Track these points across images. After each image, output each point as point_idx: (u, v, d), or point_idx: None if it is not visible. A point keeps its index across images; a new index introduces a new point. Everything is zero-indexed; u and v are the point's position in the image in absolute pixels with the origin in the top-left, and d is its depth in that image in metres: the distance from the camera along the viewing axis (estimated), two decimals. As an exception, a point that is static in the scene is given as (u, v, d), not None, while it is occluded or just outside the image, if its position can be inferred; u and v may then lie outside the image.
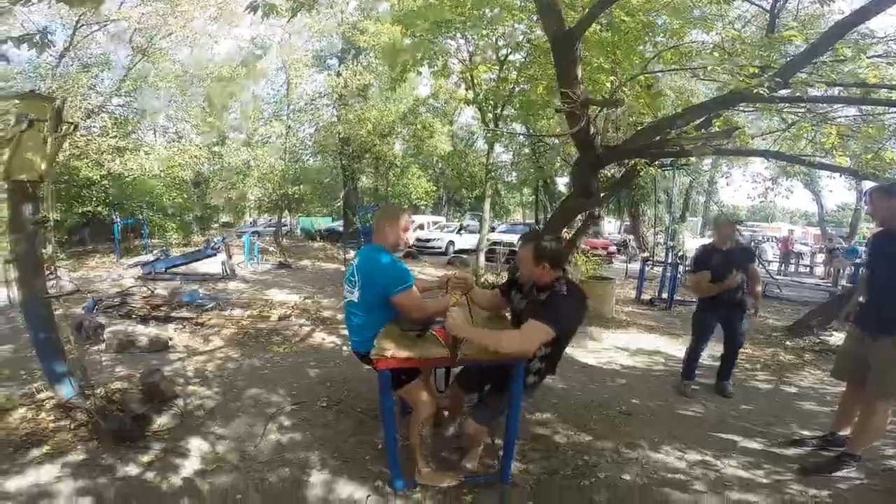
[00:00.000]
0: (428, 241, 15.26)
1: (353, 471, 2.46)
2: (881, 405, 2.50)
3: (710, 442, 2.91)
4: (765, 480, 2.50)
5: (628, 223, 22.53)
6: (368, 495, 2.27)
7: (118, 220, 10.69)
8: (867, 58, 3.45)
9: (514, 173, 23.82)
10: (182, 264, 8.31)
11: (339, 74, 13.97)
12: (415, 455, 2.32)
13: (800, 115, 3.85)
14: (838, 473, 2.54)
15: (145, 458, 2.46)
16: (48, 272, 2.65)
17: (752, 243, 18.62)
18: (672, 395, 3.66)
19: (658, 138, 3.55)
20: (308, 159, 16.92)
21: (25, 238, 2.56)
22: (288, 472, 2.44)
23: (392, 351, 2.03)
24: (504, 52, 7.15)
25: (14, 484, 2.20)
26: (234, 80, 13.55)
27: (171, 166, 10.81)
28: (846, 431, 2.83)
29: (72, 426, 2.67)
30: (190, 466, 2.44)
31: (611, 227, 31.74)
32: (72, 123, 2.56)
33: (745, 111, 5.15)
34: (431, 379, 2.72)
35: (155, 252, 9.34)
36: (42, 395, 2.98)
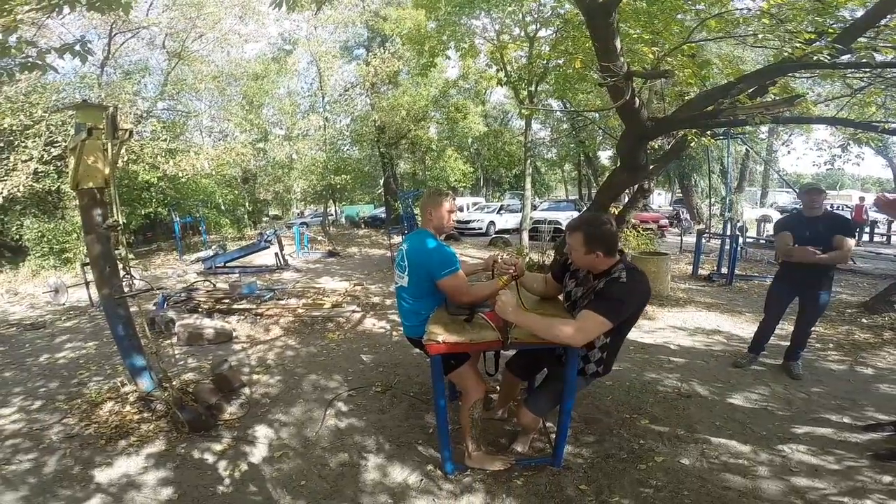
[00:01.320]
0: (468, 222, 15.23)
1: (406, 455, 2.55)
2: None
3: (776, 426, 2.77)
4: (835, 467, 2.37)
5: (679, 195, 21.47)
6: (421, 479, 2.34)
7: (177, 219, 11.37)
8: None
9: (554, 149, 23.24)
10: (239, 258, 8.76)
11: (367, 63, 14.02)
12: (465, 438, 2.37)
13: (866, 80, 3.49)
14: None
15: (218, 447, 2.66)
16: (123, 272, 2.85)
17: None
18: (734, 377, 3.49)
19: (711, 108, 3.33)
20: (347, 149, 17.21)
21: (99, 241, 2.77)
22: (346, 457, 2.56)
23: (443, 336, 2.02)
24: (533, 27, 6.89)
25: (105, 476, 2.43)
26: (268, 76, 13.91)
27: (220, 165, 11.30)
28: None
29: (154, 417, 2.91)
30: (258, 454, 2.62)
31: (661, 199, 30.41)
32: (127, 129, 2.70)
33: (802, 77, 4.73)
34: (480, 363, 2.74)
35: (213, 247, 9.89)
36: (126, 389, 3.23)
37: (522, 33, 7.89)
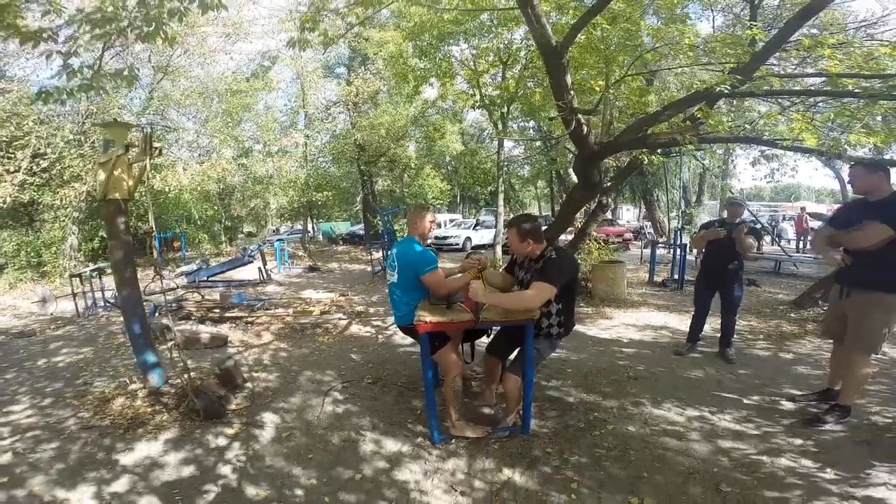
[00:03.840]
0: (445, 238, 15.75)
1: (398, 432, 2.96)
2: (858, 356, 2.84)
3: (708, 400, 3.31)
4: (755, 432, 2.87)
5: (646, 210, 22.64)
6: (413, 449, 2.77)
7: (157, 233, 11.47)
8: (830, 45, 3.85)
9: (527, 167, 24.14)
10: (222, 272, 8.98)
11: (349, 83, 14.53)
12: (448, 409, 2.84)
13: (771, 102, 4.23)
14: (830, 424, 2.87)
15: (230, 431, 2.99)
16: (155, 274, 3.19)
17: (773, 223, 18.60)
18: (675, 362, 4.09)
19: (642, 133, 3.99)
20: (327, 166, 17.58)
21: (122, 247, 3.12)
22: (346, 434, 2.95)
23: (430, 318, 2.60)
24: (505, 54, 7.54)
25: (129, 459, 2.71)
26: (249, 92, 14.19)
27: (204, 180, 11.50)
28: (839, 386, 3.16)
29: (166, 410, 3.20)
30: (267, 435, 2.97)
31: (629, 214, 31.71)
32: (158, 148, 3.08)
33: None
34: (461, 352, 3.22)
35: (197, 262, 10.06)
36: (133, 387, 3.51)
37: (497, 59, 8.55)
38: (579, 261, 6.91)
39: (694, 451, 2.68)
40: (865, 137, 4.00)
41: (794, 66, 6.33)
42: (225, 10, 3.10)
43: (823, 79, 4.46)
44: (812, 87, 4.59)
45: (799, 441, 2.74)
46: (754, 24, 5.34)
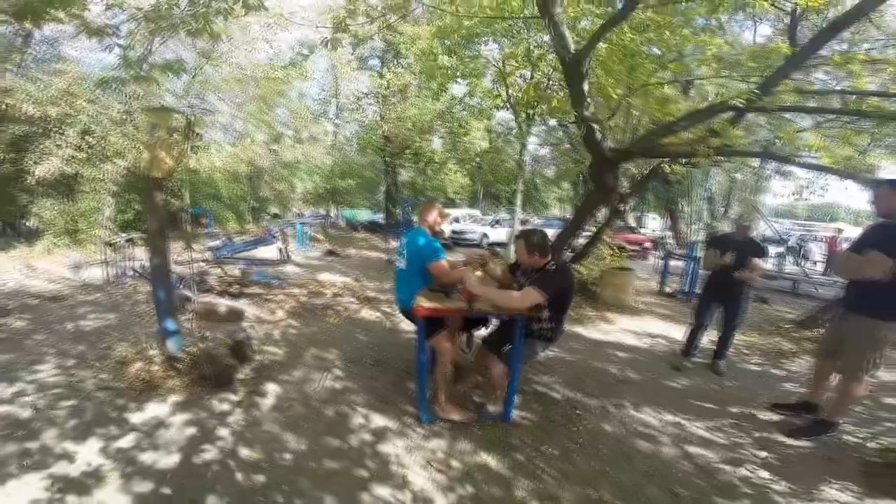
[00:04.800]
0: (462, 233, 15.91)
1: (389, 410, 3.18)
2: (854, 379, 2.89)
3: (687, 408, 3.42)
4: (723, 441, 2.99)
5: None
6: (399, 426, 2.98)
7: (189, 210, 12.02)
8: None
9: (553, 167, 24.02)
10: (244, 250, 9.38)
11: (381, 76, 14.77)
12: (438, 393, 3.05)
13: (788, 119, 4.26)
14: (812, 438, 2.96)
15: (235, 398, 3.26)
16: (188, 247, 3.49)
17: (800, 242, 18.09)
18: (665, 370, 4.20)
19: (656, 143, 4.08)
20: (354, 155, 17.93)
21: (157, 219, 3.42)
22: (340, 408, 3.19)
23: (427, 304, 2.88)
24: (535, 53, 7.61)
25: (139, 418, 2.91)
26: (285, 80, 14.57)
27: (234, 162, 11.97)
28: (818, 400, 3.26)
29: (181, 374, 3.44)
30: (268, 404, 3.23)
31: (655, 223, 31.16)
32: (198, 133, 3.36)
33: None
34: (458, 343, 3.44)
35: (222, 238, 10.51)
36: (151, 353, 3.73)
37: (525, 60, 8.61)
38: (590, 265, 6.99)
39: (661, 454, 2.81)
40: (885, 158, 4.00)
41: (832, 82, 6.25)
42: (265, 10, 3.34)
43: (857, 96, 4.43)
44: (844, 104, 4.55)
45: (764, 453, 2.85)
46: (781, 38, 5.31)
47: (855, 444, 2.97)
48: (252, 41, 12.53)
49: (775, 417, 3.32)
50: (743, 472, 2.64)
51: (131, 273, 7.11)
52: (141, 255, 7.61)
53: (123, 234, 8.50)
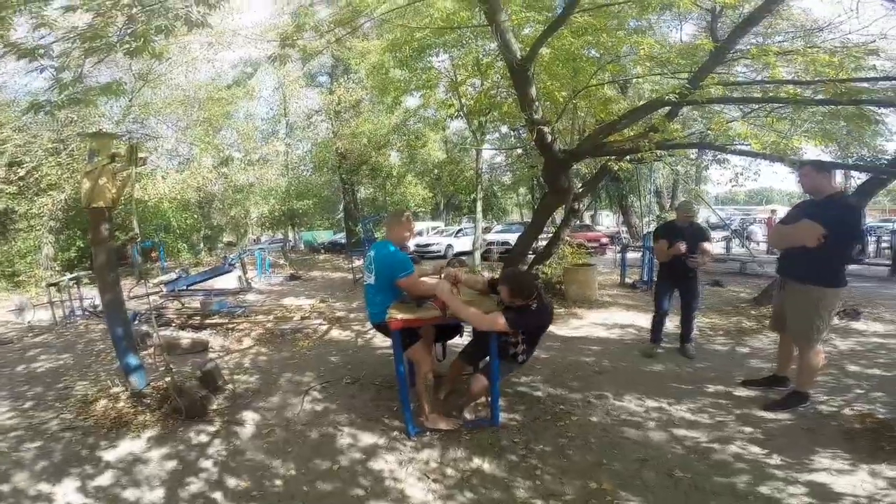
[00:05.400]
0: (427, 245, 15.92)
1: (374, 427, 3.10)
2: (804, 346, 3.07)
3: (666, 392, 3.53)
4: (708, 421, 3.08)
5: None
6: (388, 441, 2.91)
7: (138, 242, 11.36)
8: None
9: (509, 174, 24.53)
10: (202, 281, 8.96)
11: (331, 92, 14.65)
12: (422, 403, 3.00)
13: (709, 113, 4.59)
14: (789, 409, 3.09)
15: (212, 429, 3.10)
16: (140, 279, 3.29)
17: (743, 225, 19.28)
18: (638, 358, 4.33)
19: (602, 141, 4.27)
20: (309, 175, 17.61)
21: (104, 252, 3.22)
22: (324, 430, 3.09)
23: (400, 315, 2.81)
24: (483, 65, 7.83)
25: (113, 455, 2.79)
26: (230, 100, 14.15)
27: (184, 188, 11.46)
28: (786, 373, 3.44)
29: (151, 409, 3.27)
30: (248, 432, 3.08)
31: (608, 220, 32.36)
32: (142, 158, 3.19)
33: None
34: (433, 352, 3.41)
35: (177, 271, 10.01)
36: (115, 390, 3.57)
37: (475, 70, 8.81)
38: (554, 265, 7.15)
39: (650, 439, 2.87)
40: (806, 141, 4.34)
41: (753, 74, 6.75)
42: (210, 28, 3.25)
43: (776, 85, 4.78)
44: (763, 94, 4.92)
45: (748, 429, 2.93)
46: (704, 35, 5.70)
47: (831, 412, 3.11)
48: (192, 61, 12.10)
49: (751, 394, 3.45)
50: (733, 448, 2.71)
51: (80, 312, 6.66)
52: (89, 295, 7.15)
53: (68, 274, 7.94)
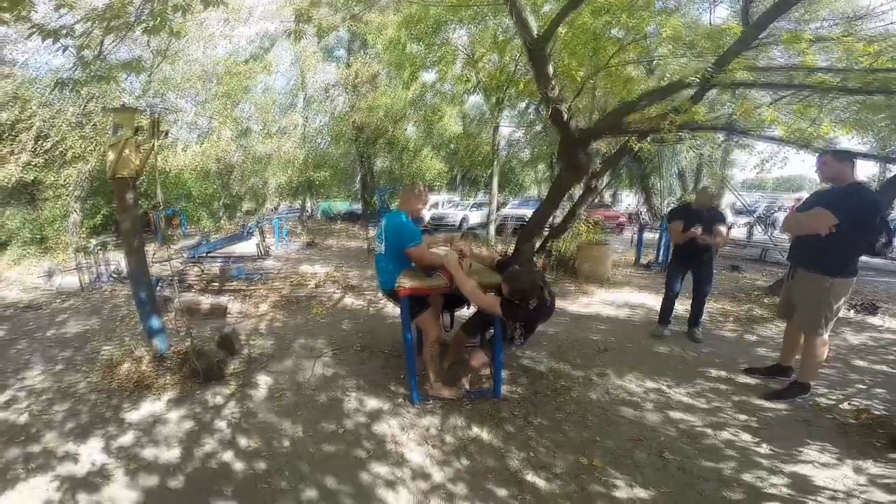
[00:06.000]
0: (442, 217, 15.97)
1: (381, 393, 3.25)
2: (809, 335, 3.07)
3: (668, 375, 3.58)
4: (705, 406, 3.12)
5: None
6: (392, 407, 3.05)
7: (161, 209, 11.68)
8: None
9: (528, 149, 24.15)
10: (221, 247, 9.22)
11: (348, 66, 14.51)
12: (427, 371, 3.12)
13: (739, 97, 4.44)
14: (787, 400, 3.11)
15: (228, 391, 3.27)
16: (163, 245, 3.45)
17: (768, 212, 18.78)
18: (644, 339, 4.37)
19: (620, 120, 4.19)
20: (326, 147, 17.65)
21: (130, 219, 3.36)
22: (332, 394, 3.24)
23: (409, 283, 2.93)
24: (500, 39, 7.63)
25: (135, 416, 2.95)
26: (248, 75, 14.16)
27: (202, 160, 11.65)
28: (790, 363, 3.44)
29: (171, 371, 3.44)
30: (261, 395, 3.25)
31: (629, 199, 31.80)
32: (164, 131, 3.29)
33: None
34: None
35: (197, 237, 10.30)
36: (138, 353, 3.72)
37: (493, 45, 8.61)
38: (568, 241, 7.13)
39: (646, 419, 2.94)
40: (836, 130, 4.20)
41: (787, 59, 6.48)
42: (225, 5, 3.26)
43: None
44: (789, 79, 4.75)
45: (744, 416, 2.97)
46: (735, 20, 5.47)
47: (828, 405, 3.12)
48: (210, 37, 12.09)
49: (752, 382, 3.48)
50: (726, 434, 2.76)
51: (107, 277, 6.94)
52: (115, 259, 7.43)
53: (94, 240, 8.25)
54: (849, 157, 2.99)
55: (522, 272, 2.91)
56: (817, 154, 3.22)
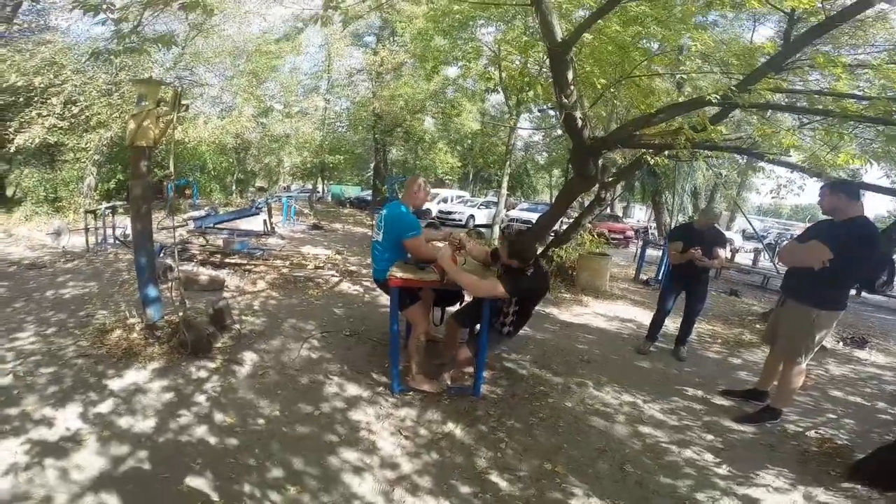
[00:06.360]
0: (450, 213, 16.02)
1: (362, 380, 3.31)
2: (788, 363, 3.09)
3: (646, 390, 3.60)
4: (675, 423, 3.14)
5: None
6: (371, 395, 3.11)
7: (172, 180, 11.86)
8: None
9: (545, 153, 24.08)
10: (228, 220, 9.35)
11: (375, 53, 14.56)
12: (411, 362, 3.18)
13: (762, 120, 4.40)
14: (757, 424, 3.13)
15: (212, 366, 3.33)
16: (170, 214, 3.54)
17: (779, 240, 18.59)
18: (629, 353, 4.40)
19: (636, 133, 4.19)
20: (344, 131, 17.76)
21: (141, 186, 3.45)
22: (314, 377, 3.31)
23: (401, 274, 2.97)
24: (523, 41, 7.61)
25: (117, 384, 2.95)
26: (278, 54, 14.27)
27: (221, 134, 11.82)
28: (767, 388, 3.46)
29: (161, 341, 3.49)
30: (245, 372, 3.32)
31: (641, 213, 31.61)
32: (185, 105, 3.37)
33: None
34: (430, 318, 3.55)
35: (206, 209, 10.45)
36: (131, 321, 3.78)
37: (517, 45, 8.58)
38: (570, 250, 7.14)
39: (615, 432, 2.97)
40: (853, 159, 4.16)
41: (825, 83, 6.38)
42: None
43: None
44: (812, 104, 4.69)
45: (710, 437, 3.00)
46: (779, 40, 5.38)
47: (795, 432, 3.15)
48: (245, 14, 12.24)
49: (727, 403, 3.50)
50: (689, 453, 2.79)
51: (112, 240, 7.08)
52: (122, 224, 7.57)
53: (105, 203, 8.41)
54: (848, 189, 2.96)
55: (520, 233, 3.00)
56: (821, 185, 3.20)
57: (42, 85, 8.66)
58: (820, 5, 3.94)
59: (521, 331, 3.33)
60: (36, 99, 8.80)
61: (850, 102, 3.82)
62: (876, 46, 7.79)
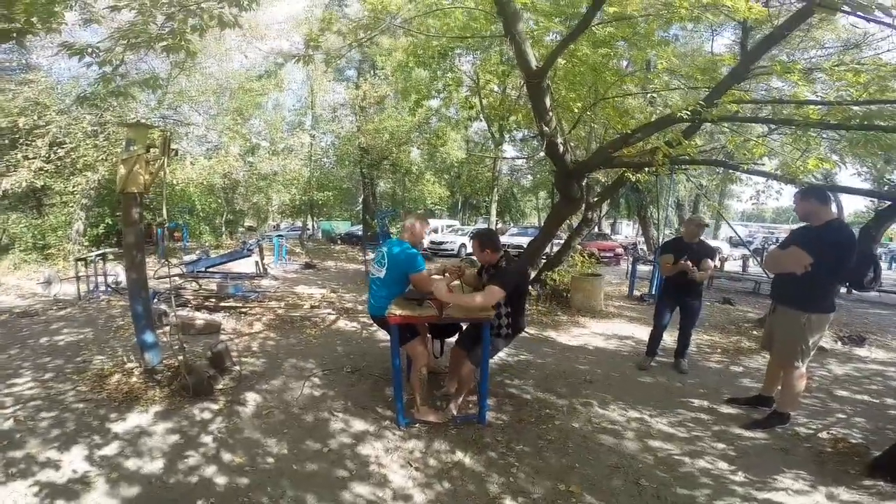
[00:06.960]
0: (441, 243, 16.12)
1: (367, 415, 3.29)
2: (787, 368, 3.14)
3: (651, 405, 3.62)
4: (684, 435, 3.16)
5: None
6: (377, 429, 3.09)
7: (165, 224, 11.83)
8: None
9: (529, 176, 24.53)
10: (220, 263, 9.32)
11: (357, 87, 14.94)
12: (414, 396, 3.18)
13: (733, 129, 4.62)
14: (767, 430, 3.15)
15: (216, 407, 3.32)
16: (164, 261, 3.54)
17: (765, 244, 18.92)
18: (631, 369, 4.42)
19: (613, 153, 4.35)
20: (331, 167, 17.98)
21: (134, 233, 3.48)
22: (319, 414, 3.28)
23: (400, 311, 2.99)
24: (499, 69, 7.93)
25: (121, 427, 2.99)
26: (260, 91, 14.54)
27: (209, 174, 11.90)
28: (772, 393, 3.48)
29: (161, 385, 3.49)
30: (249, 412, 3.30)
31: (628, 230, 32.07)
32: (175, 149, 3.43)
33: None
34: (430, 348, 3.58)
35: (197, 252, 10.41)
36: (130, 365, 3.81)
37: (496, 73, 8.92)
38: (563, 272, 7.23)
39: (626, 448, 2.97)
40: (821, 163, 4.34)
41: (785, 88, 6.68)
42: (239, 27, 3.46)
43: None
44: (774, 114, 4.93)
45: (722, 445, 3.01)
46: (716, 53, 5.68)
47: (807, 435, 3.17)
48: (226, 52, 12.57)
49: (733, 411, 3.52)
50: (702, 463, 2.80)
51: (105, 288, 7.02)
52: (113, 271, 7.52)
53: (95, 250, 8.37)
54: (818, 194, 3.08)
55: (480, 228, 3.24)
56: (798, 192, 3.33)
57: (27, 126, 8.69)
58: (769, 15, 4.22)
59: (519, 333, 3.41)
60: (21, 140, 8.81)
61: (812, 109, 4.03)
62: (826, 49, 8.22)
